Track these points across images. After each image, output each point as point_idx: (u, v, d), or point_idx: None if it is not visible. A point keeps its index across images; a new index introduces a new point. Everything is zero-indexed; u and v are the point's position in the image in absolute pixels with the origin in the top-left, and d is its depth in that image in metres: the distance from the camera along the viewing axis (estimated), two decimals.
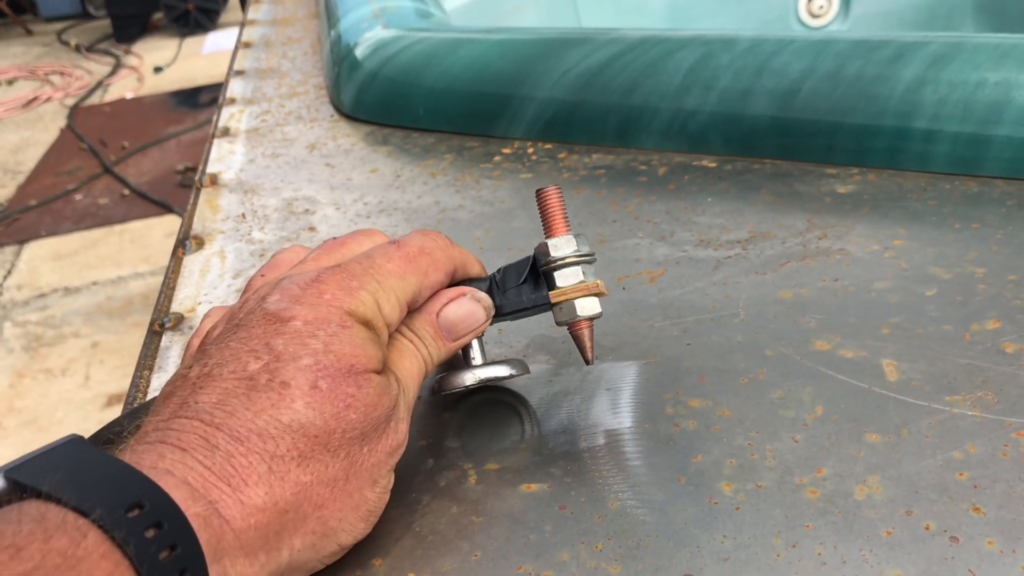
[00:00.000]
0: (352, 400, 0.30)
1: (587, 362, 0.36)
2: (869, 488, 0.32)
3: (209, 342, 0.32)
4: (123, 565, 0.24)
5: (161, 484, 0.26)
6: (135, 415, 0.37)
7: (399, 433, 0.32)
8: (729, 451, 0.35)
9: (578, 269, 0.35)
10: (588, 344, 0.36)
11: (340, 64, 0.81)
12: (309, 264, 0.36)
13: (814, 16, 1.68)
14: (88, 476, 0.25)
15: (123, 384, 2.21)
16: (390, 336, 0.34)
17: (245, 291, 0.37)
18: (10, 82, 4.98)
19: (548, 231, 0.36)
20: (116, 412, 2.08)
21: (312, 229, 0.58)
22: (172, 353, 0.47)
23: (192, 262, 0.56)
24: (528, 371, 0.38)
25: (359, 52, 0.80)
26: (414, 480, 0.36)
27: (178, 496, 0.26)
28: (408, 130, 0.73)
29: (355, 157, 0.69)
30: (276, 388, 0.29)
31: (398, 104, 0.73)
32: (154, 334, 0.49)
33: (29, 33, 6.06)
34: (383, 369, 0.32)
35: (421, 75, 0.73)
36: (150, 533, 0.25)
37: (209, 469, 0.28)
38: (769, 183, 0.55)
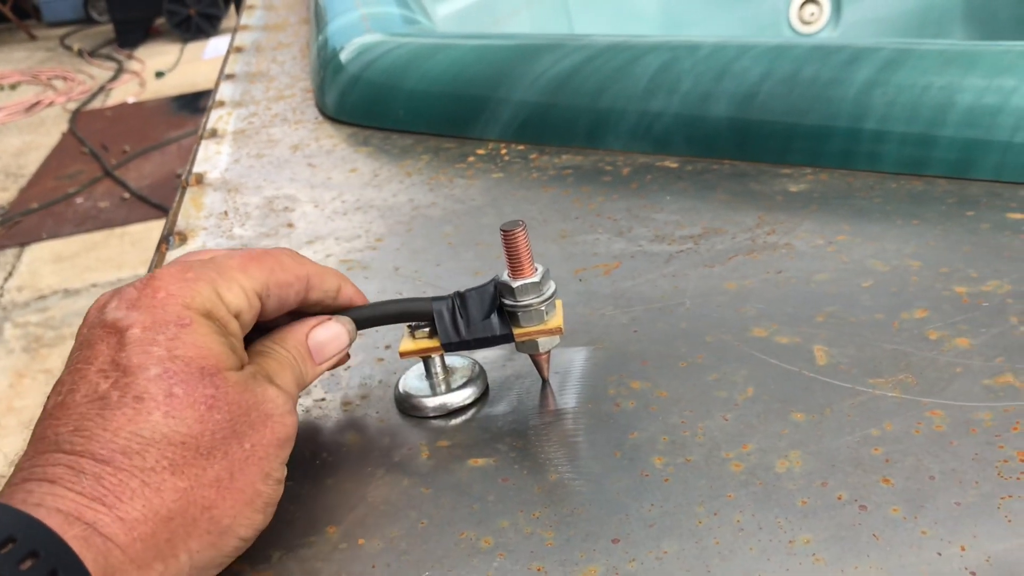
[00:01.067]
0: (213, 400, 0.30)
1: (544, 381, 0.41)
2: (790, 462, 0.35)
3: (64, 368, 0.32)
4: None
5: (32, 515, 0.26)
6: None
7: (285, 426, 0.33)
8: (664, 428, 0.37)
9: (542, 311, 0.38)
10: (546, 367, 0.40)
11: (325, 68, 0.84)
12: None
13: (805, 23, 1.70)
14: None
15: None
16: (267, 349, 0.35)
17: None
18: (13, 86, 5.02)
19: (514, 272, 0.37)
20: None
21: (291, 226, 0.61)
22: None
23: (175, 256, 0.59)
24: (487, 385, 0.41)
25: (343, 56, 0.82)
26: (370, 455, 0.38)
27: (52, 523, 0.26)
28: (389, 131, 0.75)
29: (336, 157, 0.72)
30: (130, 403, 0.29)
31: (379, 106, 0.76)
32: None
33: (32, 38, 6.11)
34: (242, 365, 0.32)
35: (402, 78, 0.76)
36: (26, 564, 0.25)
37: (80, 494, 0.27)
38: (726, 182, 0.57)
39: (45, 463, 0.28)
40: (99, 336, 0.31)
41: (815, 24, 1.70)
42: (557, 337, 0.39)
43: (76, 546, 0.26)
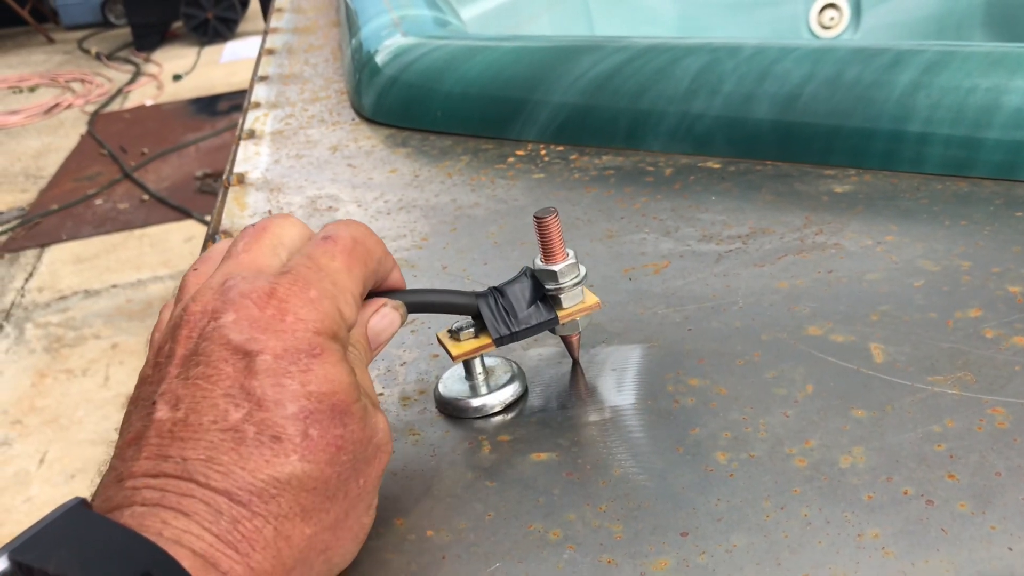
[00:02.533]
0: (341, 441, 0.30)
1: (576, 362, 0.42)
2: (853, 457, 0.35)
3: (165, 368, 0.31)
4: None
5: (171, 554, 0.26)
6: None
7: (389, 454, 0.33)
8: (725, 424, 0.38)
9: (580, 290, 0.39)
10: (577, 349, 0.42)
11: (361, 70, 0.85)
12: (242, 257, 0.34)
13: (825, 28, 1.70)
14: (94, 550, 0.25)
15: None
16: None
17: (181, 290, 0.35)
18: (32, 89, 5.06)
19: (549, 257, 0.39)
20: None
21: None
22: None
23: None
24: (525, 385, 0.42)
25: (379, 58, 0.83)
26: (432, 449, 0.39)
27: (188, 566, 0.26)
28: (426, 133, 0.76)
29: (375, 158, 0.72)
30: (268, 443, 0.28)
31: (417, 108, 0.77)
32: None
33: (51, 41, 6.15)
34: (359, 392, 0.32)
35: (439, 80, 0.76)
36: None
37: (217, 537, 0.27)
38: (770, 183, 0.58)
39: (178, 491, 0.28)
40: (221, 355, 0.30)
41: (835, 29, 1.70)
42: (594, 312, 0.40)
43: None
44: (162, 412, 0.29)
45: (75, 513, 0.26)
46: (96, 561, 0.25)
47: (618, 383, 0.41)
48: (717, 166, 0.61)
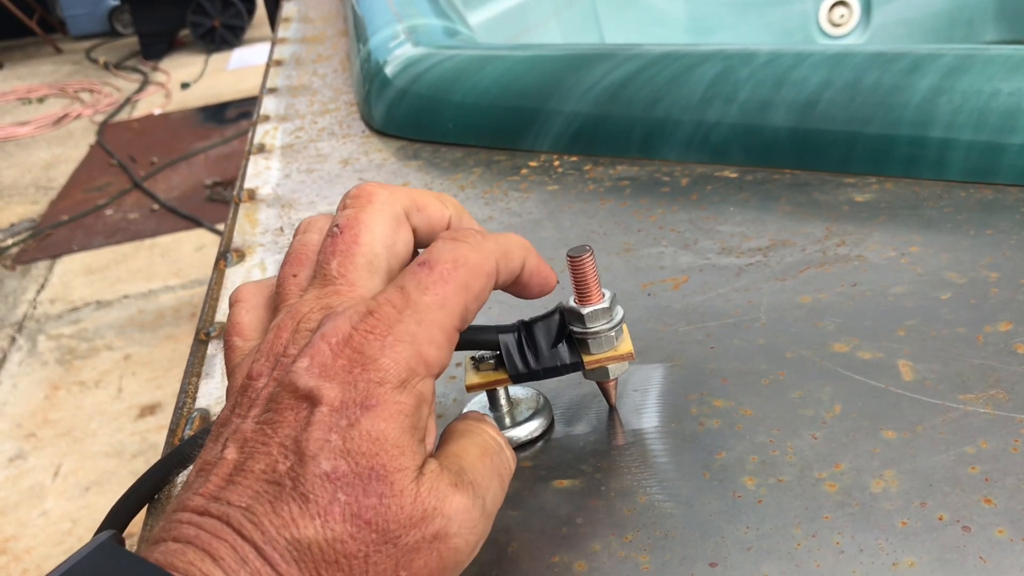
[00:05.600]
0: (372, 514, 0.27)
1: (612, 408, 0.40)
2: (885, 481, 0.34)
3: (250, 408, 0.29)
4: None
5: None
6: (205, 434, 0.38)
7: (457, 552, 0.28)
8: (751, 448, 0.37)
9: (612, 337, 0.37)
10: (613, 394, 0.40)
11: (371, 81, 0.84)
12: (340, 285, 0.32)
13: (835, 25, 1.69)
14: None
15: (155, 395, 2.25)
16: (469, 428, 0.33)
17: (279, 286, 0.34)
18: (41, 100, 5.08)
19: (581, 298, 0.36)
20: (149, 424, 2.12)
21: None
22: (217, 360, 0.50)
23: (234, 274, 0.59)
24: (552, 417, 0.40)
25: (389, 70, 0.82)
26: None
27: None
28: (438, 145, 0.75)
29: (387, 171, 0.72)
30: (297, 500, 0.27)
31: (428, 120, 0.76)
32: (200, 343, 0.52)
33: (59, 51, 6.18)
34: (425, 452, 0.29)
35: (450, 91, 0.75)
36: None
37: None
38: (789, 192, 0.57)
39: (213, 531, 0.27)
40: (289, 403, 0.28)
41: (845, 26, 1.69)
42: (627, 363, 0.38)
43: None
44: (230, 452, 0.28)
45: (105, 550, 0.26)
46: None
47: (641, 405, 0.40)
48: (734, 175, 0.60)
